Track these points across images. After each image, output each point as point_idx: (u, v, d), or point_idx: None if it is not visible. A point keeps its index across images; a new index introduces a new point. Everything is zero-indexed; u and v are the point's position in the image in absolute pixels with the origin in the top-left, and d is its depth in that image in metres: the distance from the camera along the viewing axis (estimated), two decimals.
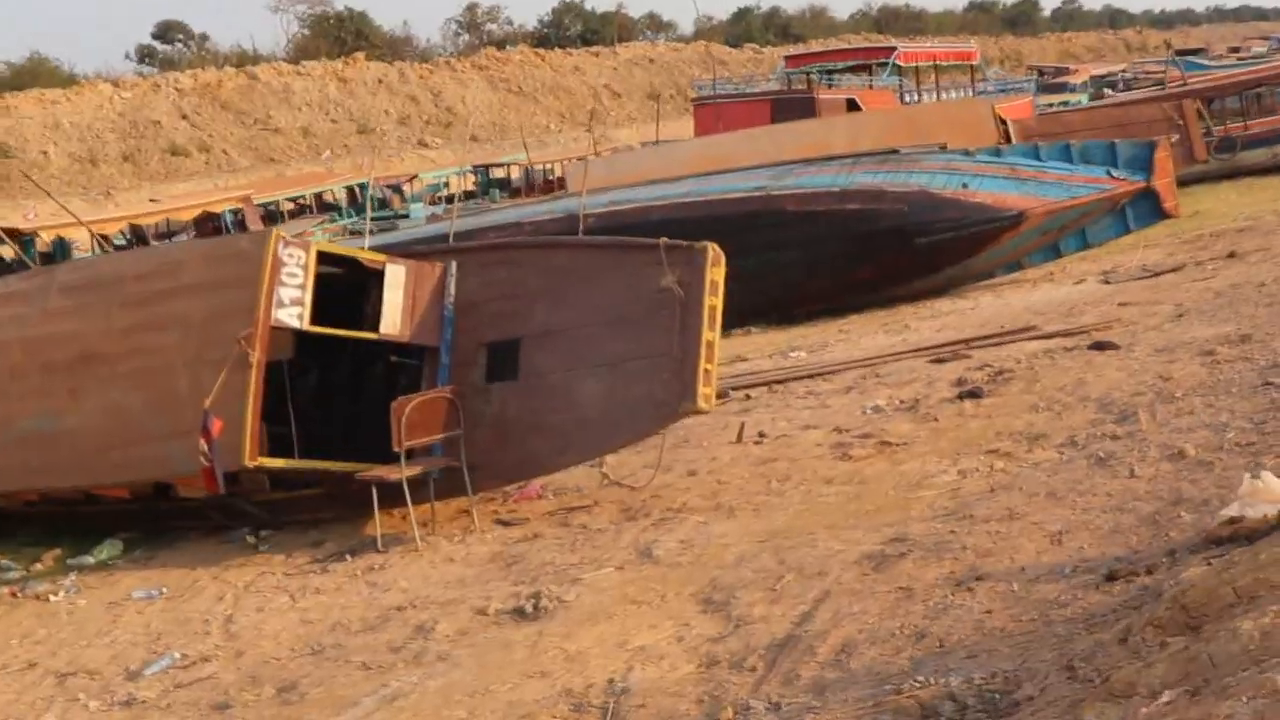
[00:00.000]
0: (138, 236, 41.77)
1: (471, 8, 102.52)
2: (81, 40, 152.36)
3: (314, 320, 11.64)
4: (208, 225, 43.26)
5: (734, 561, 8.64)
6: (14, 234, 39.55)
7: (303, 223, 46.52)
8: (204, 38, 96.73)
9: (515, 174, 52.22)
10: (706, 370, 10.12)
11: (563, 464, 11.31)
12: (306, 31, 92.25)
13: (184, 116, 63.93)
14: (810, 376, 15.44)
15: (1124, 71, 70.08)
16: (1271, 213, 24.86)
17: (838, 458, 11.17)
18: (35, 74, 70.60)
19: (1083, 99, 55.92)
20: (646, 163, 27.09)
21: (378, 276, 11.75)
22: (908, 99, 46.62)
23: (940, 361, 14.77)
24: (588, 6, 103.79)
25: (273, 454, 11.62)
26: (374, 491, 10.97)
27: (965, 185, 20.58)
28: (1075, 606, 6.25)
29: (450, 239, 22.19)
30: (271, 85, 69.17)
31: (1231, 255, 19.59)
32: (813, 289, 21.07)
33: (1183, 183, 30.11)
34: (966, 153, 21.37)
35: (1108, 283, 19.62)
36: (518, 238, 13.86)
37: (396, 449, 10.85)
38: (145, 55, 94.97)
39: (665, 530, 9.91)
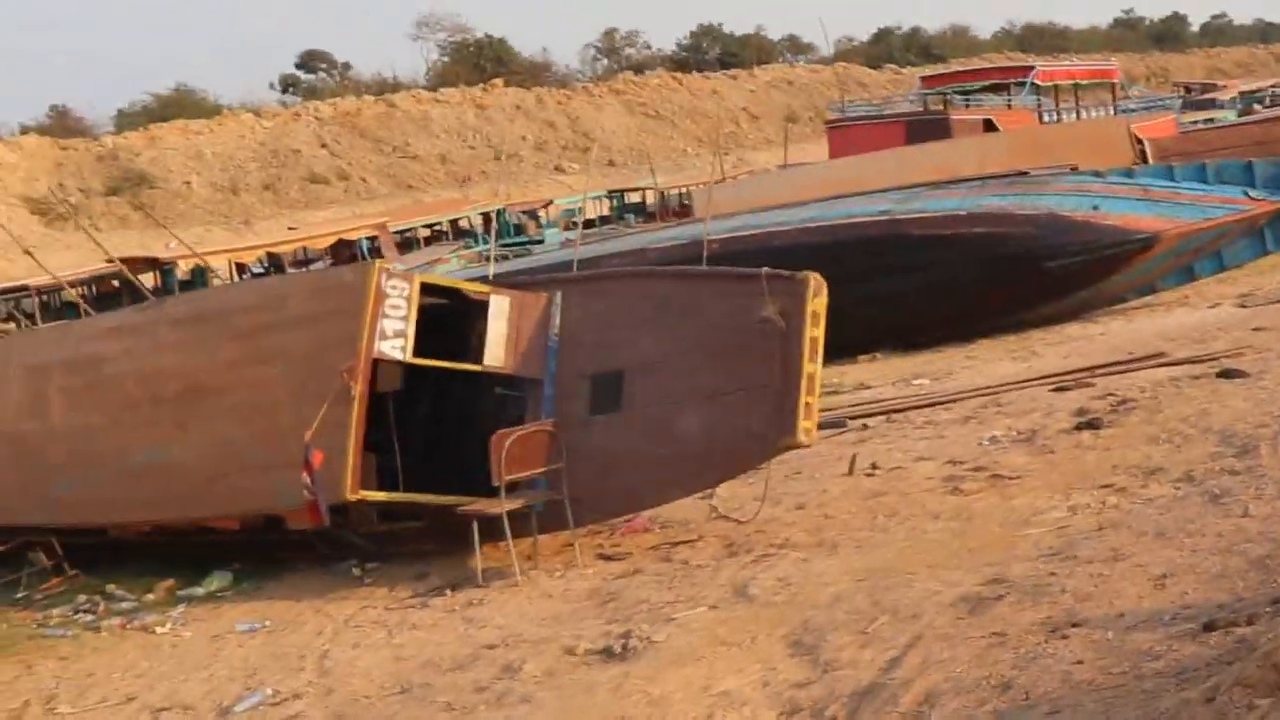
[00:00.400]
0: (275, 265, 42.39)
1: (610, 33, 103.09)
2: (226, 71, 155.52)
3: (418, 352, 11.60)
4: (344, 253, 43.77)
5: (829, 601, 8.39)
6: (154, 263, 40.46)
7: (437, 250, 46.91)
8: (346, 66, 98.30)
9: (650, 198, 52.26)
10: (808, 403, 9.88)
11: (664, 499, 11.11)
12: (446, 59, 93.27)
13: (323, 145, 64.84)
14: (929, 405, 15.11)
15: (1274, 86, 68.44)
16: None
17: (948, 491, 10.87)
18: (181, 105, 72.12)
19: (1230, 115, 54.68)
20: (774, 187, 26.87)
21: (482, 307, 11.67)
22: (1046, 119, 45.87)
23: (1062, 390, 14.36)
24: (726, 30, 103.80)
25: (380, 487, 11.62)
26: (474, 525, 10.86)
27: (1096, 207, 20.07)
28: (1168, 659, 5.93)
29: (575, 267, 22.35)
30: (410, 113, 69.92)
31: None
32: (939, 314, 20.63)
33: None
34: (1097, 174, 20.87)
35: (1244, 306, 19.05)
36: (619, 268, 13.70)
37: (496, 483, 10.73)
38: (289, 85, 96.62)
39: (765, 567, 9.68)
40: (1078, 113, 47.37)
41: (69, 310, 39.60)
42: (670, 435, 10.66)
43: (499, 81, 77.98)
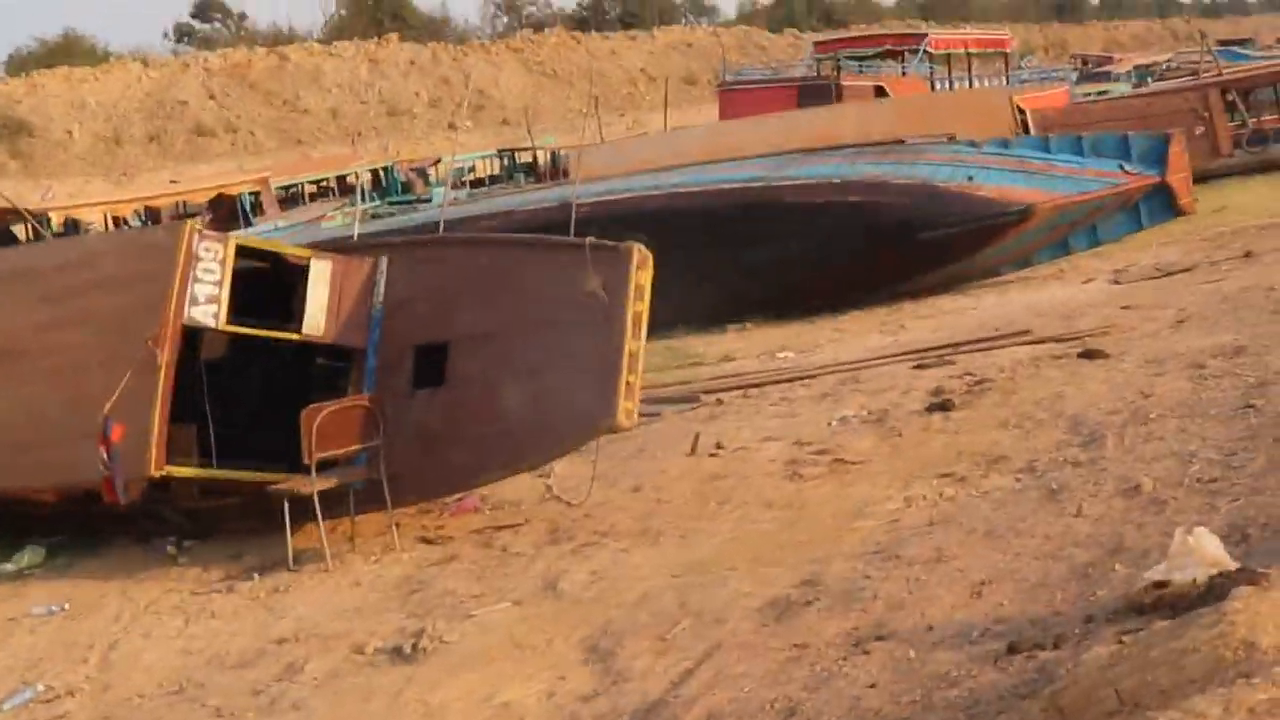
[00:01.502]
0: (152, 218, 41.23)
1: None
2: (119, 18, 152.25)
3: (238, 319, 10.92)
4: (223, 207, 42.69)
5: (636, 601, 7.82)
6: (24, 214, 39.17)
7: (323, 206, 45.88)
8: (242, 16, 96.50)
9: (543, 158, 51.35)
10: (628, 383, 9.27)
11: (483, 480, 10.50)
12: (344, 12, 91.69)
13: (212, 97, 63.40)
14: (787, 381, 14.59)
15: (1168, 61, 68.60)
16: None
17: (787, 477, 10.33)
18: (69, 52, 70.18)
19: (1123, 88, 54.69)
20: (652, 150, 26.25)
21: (305, 272, 10.97)
22: (939, 87, 45.50)
23: (923, 367, 13.89)
24: None
25: (202, 462, 10.96)
26: (285, 506, 10.18)
27: (971, 178, 19.59)
28: (964, 686, 5.38)
29: (441, 228, 21.61)
30: (302, 66, 68.57)
31: (1248, 255, 18.59)
32: (812, 285, 20.08)
33: (1211, 176, 29.15)
34: (973, 144, 20.40)
35: (1117, 283, 18.68)
36: (448, 234, 13.01)
37: (306, 461, 10.06)
38: (183, 34, 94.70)
39: (582, 558, 9.10)
40: (970, 82, 47.03)
41: None
42: (493, 412, 10.03)
43: (394, 36, 76.69)
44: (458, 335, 10.40)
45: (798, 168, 20.50)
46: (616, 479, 11.28)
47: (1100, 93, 51.65)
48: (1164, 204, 19.98)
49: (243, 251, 11.04)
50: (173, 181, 49.05)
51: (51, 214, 37.84)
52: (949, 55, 47.79)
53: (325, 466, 10.34)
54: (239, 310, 10.91)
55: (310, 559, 10.17)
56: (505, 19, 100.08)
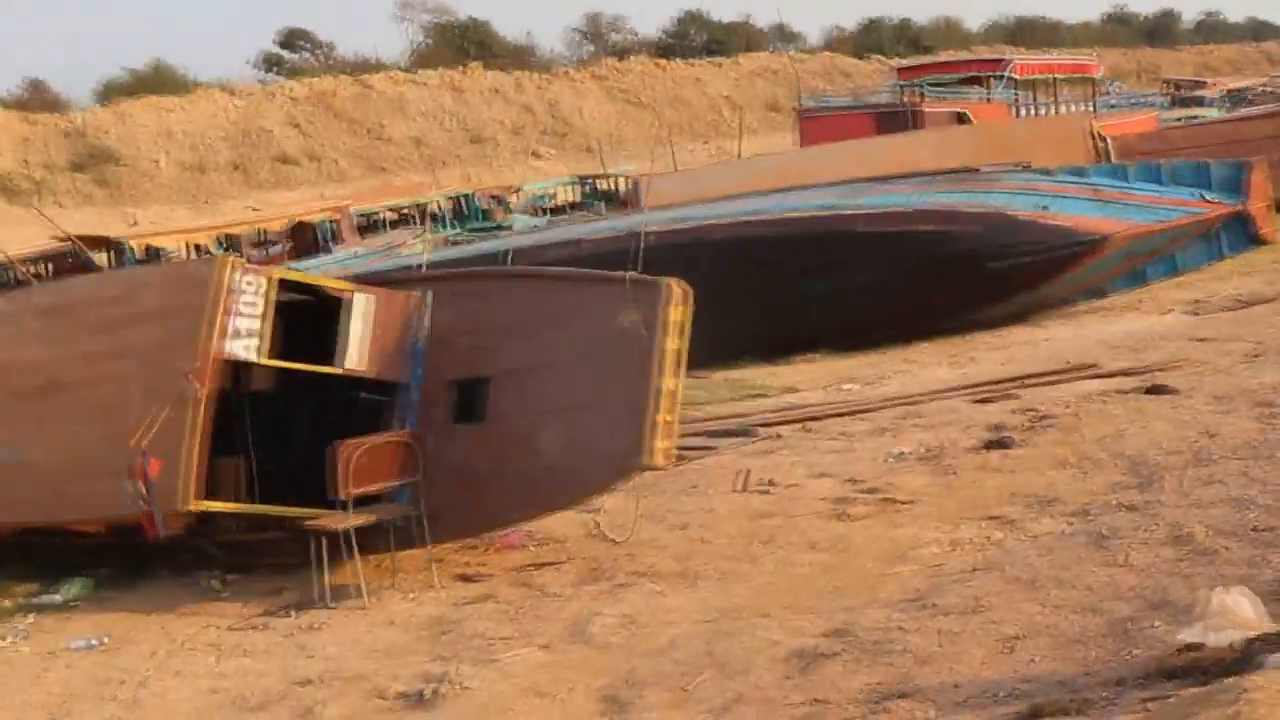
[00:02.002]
0: (231, 246, 41.46)
1: (594, 17, 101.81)
2: (207, 47, 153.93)
3: (286, 353, 10.79)
4: (302, 235, 42.89)
5: (664, 647, 7.55)
6: (107, 242, 39.56)
7: (401, 233, 46.01)
8: (329, 46, 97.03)
9: (623, 186, 51.24)
10: (665, 422, 9.00)
11: (519, 519, 10.26)
12: (429, 40, 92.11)
13: (296, 125, 63.78)
14: (847, 415, 14.27)
15: (1262, 85, 67.61)
16: None
17: (835, 516, 10.03)
18: (158, 82, 70.91)
19: (1215, 114, 53.88)
20: (725, 177, 25.95)
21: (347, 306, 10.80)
22: (1023, 113, 44.92)
23: (985, 402, 13.54)
24: (713, 17, 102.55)
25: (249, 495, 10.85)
26: (322, 541, 10.00)
27: (1045, 207, 19.17)
28: None
29: (510, 260, 21.50)
30: (386, 94, 68.86)
31: None
32: (882, 314, 19.73)
33: None
34: (1047, 172, 19.97)
35: (1195, 314, 18.24)
36: (492, 267, 12.82)
37: (336, 495, 9.87)
38: (271, 63, 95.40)
39: (616, 599, 8.85)
40: (1055, 108, 46.41)
41: (21, 289, 38.80)
42: (532, 450, 9.80)
43: (477, 64, 76.91)
44: (499, 370, 10.19)
45: (869, 196, 20.16)
46: (664, 516, 11.04)
47: (1190, 118, 50.90)
48: (1244, 233, 19.44)
49: (286, 285, 10.91)
50: (253, 210, 49.36)
51: (131, 242, 38.13)
52: (1034, 81, 47.15)
53: (367, 501, 10.22)
54: (289, 344, 10.80)
55: (348, 595, 10.00)
56: (590, 47, 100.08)
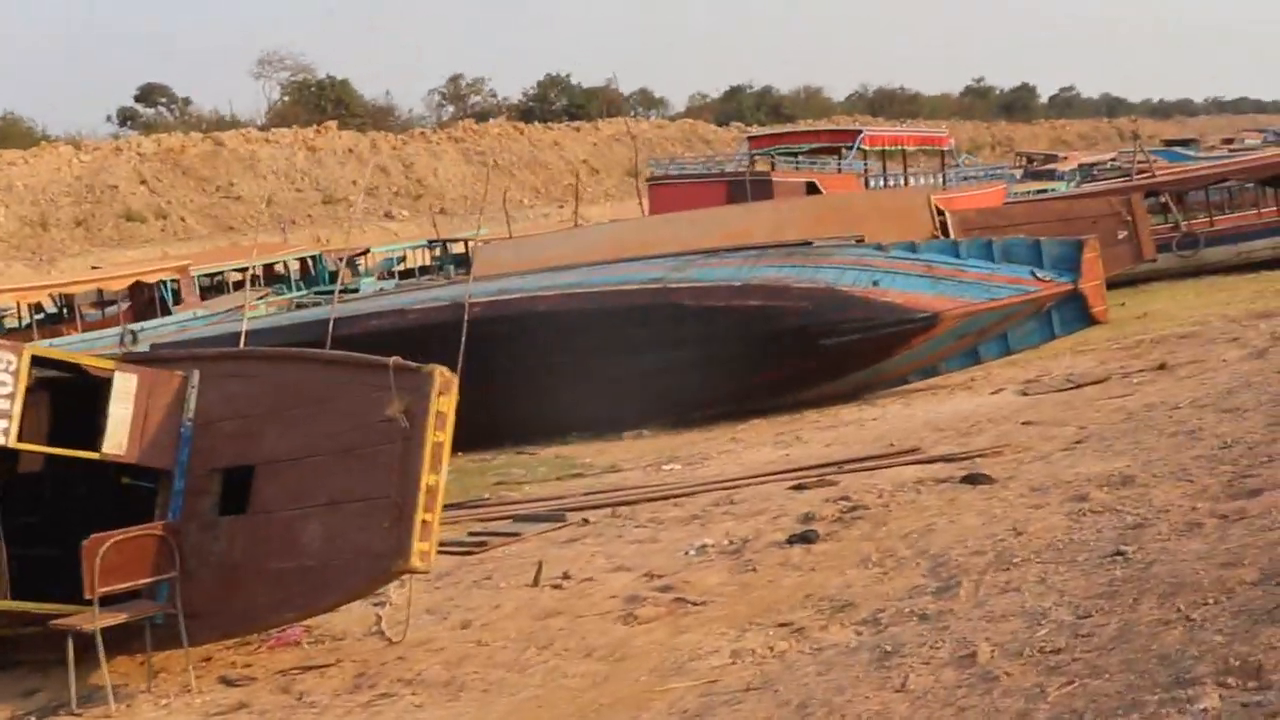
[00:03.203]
0: (68, 305, 40.19)
1: (455, 79, 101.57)
2: (63, 102, 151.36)
3: (48, 436, 10.06)
4: (141, 295, 41.70)
5: None
6: None
7: (244, 295, 44.92)
8: (186, 101, 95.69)
9: (474, 250, 50.52)
10: (425, 521, 8.33)
11: (279, 620, 9.50)
12: (286, 98, 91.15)
13: (143, 181, 62.36)
14: (661, 499, 13.70)
15: (1112, 160, 68.78)
16: (1220, 317, 23.11)
17: (621, 617, 9.41)
18: (5, 135, 69.21)
19: (1061, 187, 54.53)
20: (560, 246, 25.36)
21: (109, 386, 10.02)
22: (873, 184, 44.98)
23: (800, 488, 13.03)
24: (575, 81, 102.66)
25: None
26: (69, 642, 9.20)
27: (876, 283, 18.79)
28: None
29: (330, 328, 20.70)
30: (238, 152, 67.70)
31: (1162, 367, 17.84)
32: (711, 391, 19.23)
33: (1139, 280, 28.63)
34: (879, 247, 19.62)
35: (1025, 394, 17.89)
36: (259, 348, 12.11)
37: (88, 595, 9.09)
38: (126, 118, 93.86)
39: (372, 713, 8.18)
40: (905, 179, 46.54)
41: None
42: (293, 547, 9.07)
43: (332, 124, 75.99)
44: (262, 458, 9.47)
45: (697, 269, 19.68)
46: (450, 611, 10.44)
47: (1040, 191, 51.47)
48: (1077, 312, 19.22)
49: (42, 363, 10.13)
50: (94, 268, 47.99)
51: None
52: (884, 152, 47.29)
53: (124, 598, 9.47)
54: (62, 425, 10.07)
55: (103, 700, 9.20)
56: (450, 109, 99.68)
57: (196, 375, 10.03)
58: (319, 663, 9.55)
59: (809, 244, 20.40)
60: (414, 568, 8.38)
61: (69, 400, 10.52)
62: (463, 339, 19.20)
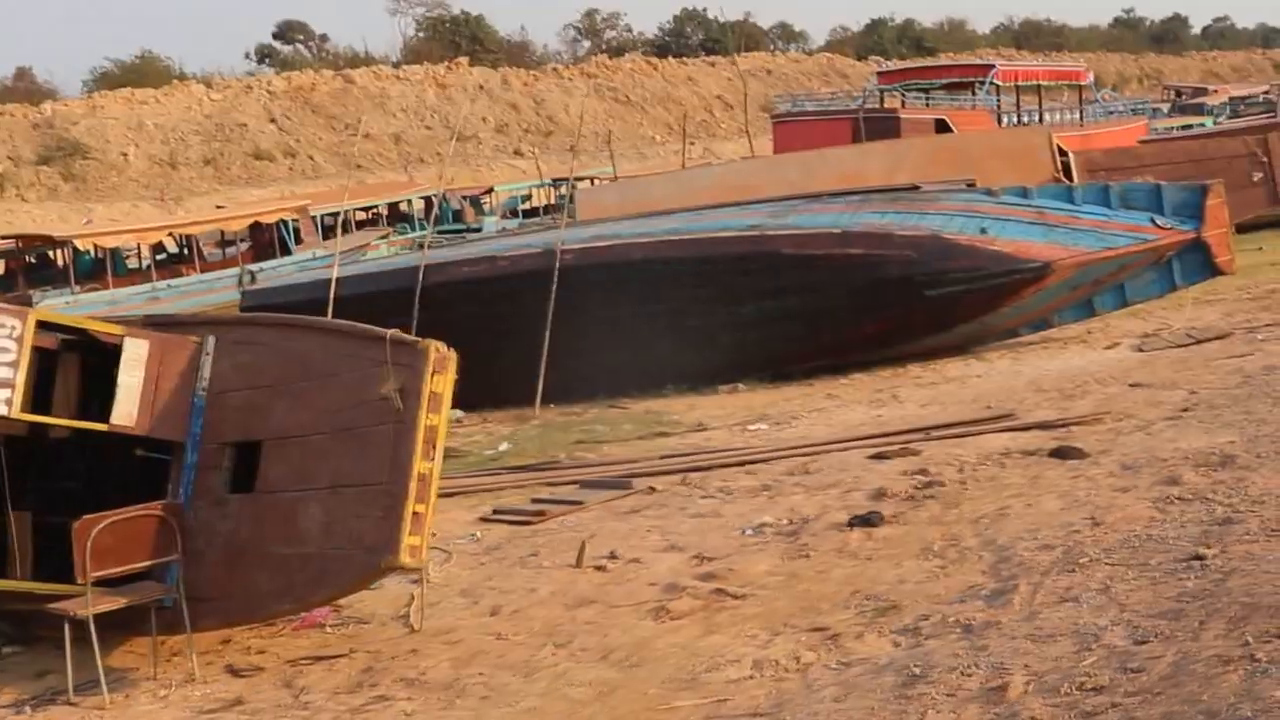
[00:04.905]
0: (189, 245, 40.09)
1: (590, 14, 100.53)
2: (202, 39, 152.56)
3: (45, 404, 9.48)
4: (262, 236, 41.53)
5: None
6: (50, 240, 38.19)
7: (365, 235, 44.68)
8: (323, 38, 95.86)
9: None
10: (416, 513, 7.58)
11: (278, 610, 8.83)
12: (421, 35, 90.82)
13: (272, 120, 62.29)
14: (736, 465, 12.88)
15: (1265, 93, 66.07)
16: None
17: (652, 611, 8.64)
18: (143, 73, 69.51)
19: (1209, 123, 52.44)
20: (665, 189, 24.46)
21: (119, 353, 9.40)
22: (1005, 120, 43.38)
23: (881, 458, 12.13)
24: (710, 15, 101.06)
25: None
26: (66, 627, 8.63)
27: (984, 230, 17.69)
28: None
29: (420, 274, 20.07)
30: (368, 90, 67.39)
31: None
32: (809, 344, 18.27)
33: (1275, 225, 27.02)
34: (989, 192, 18.49)
35: (1140, 350, 16.78)
36: (270, 314, 11.36)
37: (80, 580, 8.50)
38: (264, 55, 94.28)
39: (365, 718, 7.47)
40: (1041, 115, 44.89)
41: None
42: (293, 531, 8.39)
43: (464, 60, 75.45)
44: (270, 434, 8.79)
45: (797, 215, 18.69)
46: (483, 594, 9.78)
47: (1185, 127, 49.46)
48: (1200, 262, 17.94)
49: (49, 327, 9.56)
50: (219, 207, 47.93)
51: (77, 241, 36.77)
52: (1017, 87, 45.57)
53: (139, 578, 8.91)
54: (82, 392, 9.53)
55: (118, 683, 8.67)
56: (585, 44, 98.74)
57: (211, 341, 9.37)
58: (332, 652, 8.91)
59: (916, 188, 19.32)
60: (402, 564, 7.64)
61: (99, 365, 9.91)
62: (553, 287, 18.66)
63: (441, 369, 7.75)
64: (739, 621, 8.11)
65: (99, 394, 9.54)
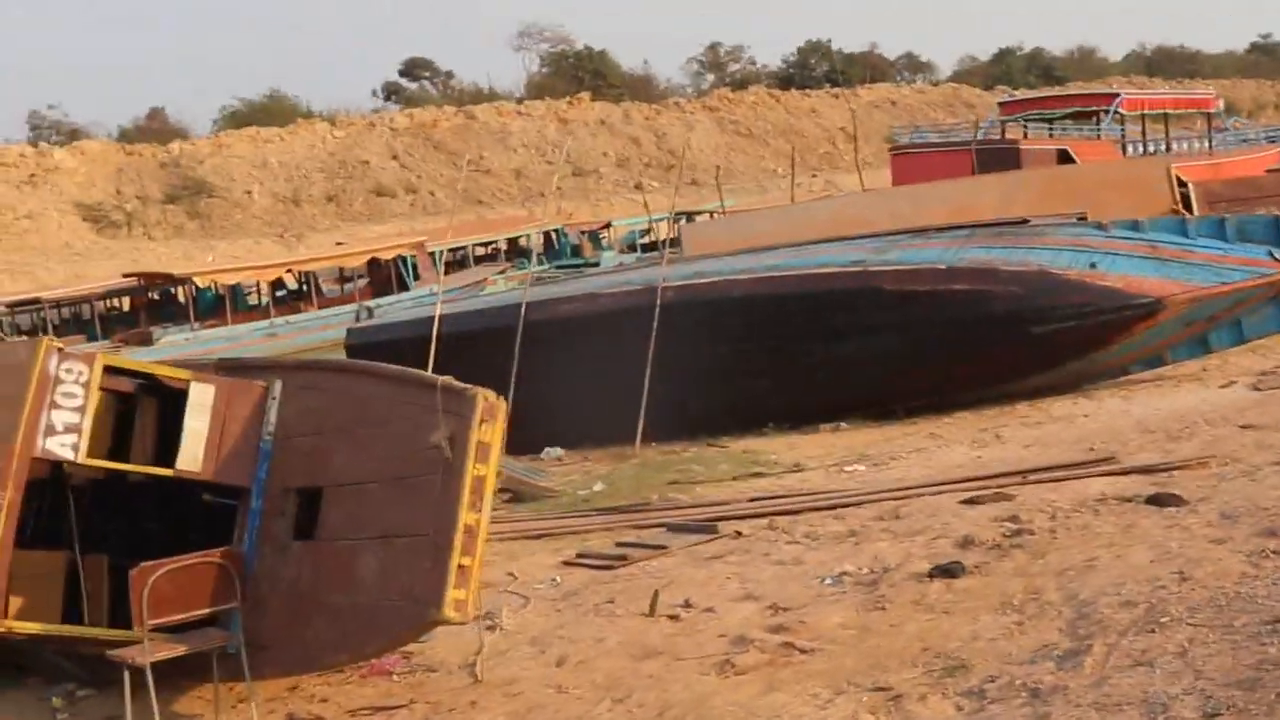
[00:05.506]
0: (308, 282, 40.48)
1: (714, 47, 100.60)
2: (331, 78, 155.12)
3: (115, 448, 9.45)
4: (380, 272, 41.87)
5: None
6: (170, 278, 38.75)
7: (482, 270, 44.89)
8: (449, 75, 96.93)
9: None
10: (462, 566, 7.37)
11: (333, 661, 8.68)
12: (545, 70, 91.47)
13: (394, 156, 62.90)
14: (822, 509, 12.56)
15: None
16: None
17: (718, 665, 8.36)
18: (270, 112, 70.70)
19: None
20: (770, 224, 24.21)
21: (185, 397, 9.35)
22: (1130, 150, 42.55)
23: (972, 502, 11.74)
24: (836, 46, 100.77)
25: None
26: (125, 674, 8.54)
27: (1094, 265, 17.21)
28: None
29: (522, 310, 19.95)
30: (490, 125, 67.86)
31: None
32: (913, 382, 17.88)
33: None
34: (1100, 226, 18.00)
35: (1257, 389, 16.20)
36: (333, 359, 11.19)
37: (136, 628, 8.41)
38: (391, 93, 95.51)
39: None
40: (1168, 145, 43.98)
41: (88, 325, 38.13)
42: (350, 580, 8.24)
43: (585, 95, 75.75)
44: (330, 480, 8.65)
45: (901, 251, 18.33)
46: (552, 643, 9.55)
47: None
48: None
49: (117, 372, 9.53)
50: (339, 244, 48.43)
51: (197, 278, 37.32)
52: (1144, 116, 44.69)
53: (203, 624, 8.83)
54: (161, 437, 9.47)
55: None
56: (709, 77, 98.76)
57: (279, 386, 9.28)
58: (393, 702, 8.75)
59: (1025, 222, 18.89)
60: (447, 619, 7.44)
61: (176, 410, 9.85)
62: (653, 325, 18.43)
63: (490, 418, 7.55)
64: (803, 678, 7.81)
65: (175, 439, 9.48)
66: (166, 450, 9.47)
